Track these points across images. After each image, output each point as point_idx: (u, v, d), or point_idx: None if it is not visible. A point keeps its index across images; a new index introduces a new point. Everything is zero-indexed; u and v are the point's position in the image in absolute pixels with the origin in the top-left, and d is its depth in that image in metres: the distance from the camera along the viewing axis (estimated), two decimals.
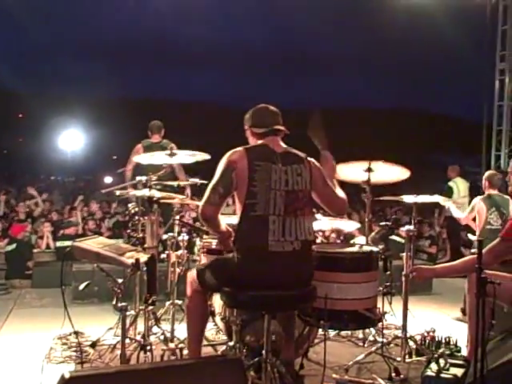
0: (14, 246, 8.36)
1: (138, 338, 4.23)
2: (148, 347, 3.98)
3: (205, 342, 4.49)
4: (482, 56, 9.96)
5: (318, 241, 4.72)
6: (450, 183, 9.15)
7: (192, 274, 3.56)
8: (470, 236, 6.72)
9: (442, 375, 3.57)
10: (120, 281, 3.47)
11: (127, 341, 4.15)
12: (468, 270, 3.71)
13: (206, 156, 4.42)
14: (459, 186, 8.87)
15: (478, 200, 6.25)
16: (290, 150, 3.43)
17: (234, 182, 3.25)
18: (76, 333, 4.39)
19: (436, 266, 4.09)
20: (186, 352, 4.10)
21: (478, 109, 10.17)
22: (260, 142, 3.44)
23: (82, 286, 3.72)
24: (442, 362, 3.68)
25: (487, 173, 6.55)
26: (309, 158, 3.45)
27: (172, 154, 4.27)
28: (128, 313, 3.92)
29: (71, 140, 21.06)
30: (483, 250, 3.50)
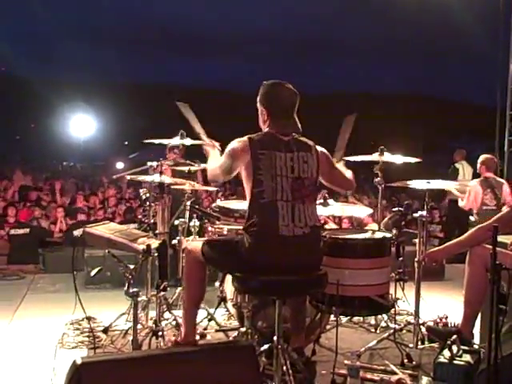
0: (26, 230, 8.36)
1: (150, 323, 4.25)
2: (160, 333, 3.99)
3: (217, 328, 4.53)
4: (495, 41, 9.84)
5: (331, 226, 4.71)
6: (457, 165, 9.27)
7: (195, 248, 3.53)
8: (471, 217, 7.08)
9: (455, 362, 3.54)
10: (131, 267, 3.47)
11: (139, 326, 4.16)
12: (475, 242, 3.75)
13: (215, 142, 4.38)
14: (465, 168, 8.90)
15: (474, 183, 6.75)
16: (298, 138, 3.39)
17: (234, 171, 3.33)
18: (88, 318, 4.42)
19: (445, 245, 4.09)
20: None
21: (491, 94, 10.07)
22: (267, 129, 3.39)
23: (93, 272, 3.74)
24: (454, 348, 3.66)
25: (483, 156, 6.94)
26: (317, 147, 3.43)
27: (183, 136, 4.25)
28: (140, 298, 3.94)
29: (83, 126, 21.09)
30: (492, 219, 3.55)
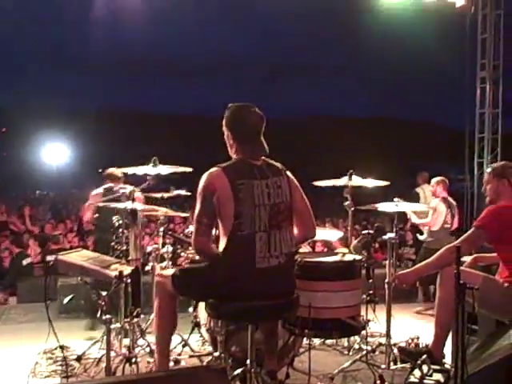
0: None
1: (124, 350, 4.24)
2: (133, 360, 3.98)
3: (190, 353, 4.53)
4: (462, 65, 10.07)
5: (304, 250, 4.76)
6: (418, 189, 9.51)
7: (165, 280, 3.51)
8: (419, 236, 7.47)
9: (426, 381, 3.60)
10: (104, 293, 3.48)
11: (113, 354, 4.16)
12: (444, 263, 3.83)
13: (187, 169, 4.44)
14: (426, 192, 9.08)
15: (437, 201, 6.99)
16: (269, 162, 3.39)
17: (217, 207, 3.21)
18: (61, 347, 4.38)
19: (414, 267, 4.17)
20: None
21: (460, 117, 10.28)
22: (237, 155, 3.37)
23: (66, 300, 3.74)
24: (425, 368, 3.71)
25: (439, 178, 7.24)
26: (286, 171, 3.44)
27: (155, 165, 4.29)
28: (113, 326, 3.94)
29: (56, 153, 21.00)
30: (459, 240, 3.65)
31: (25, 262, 7.99)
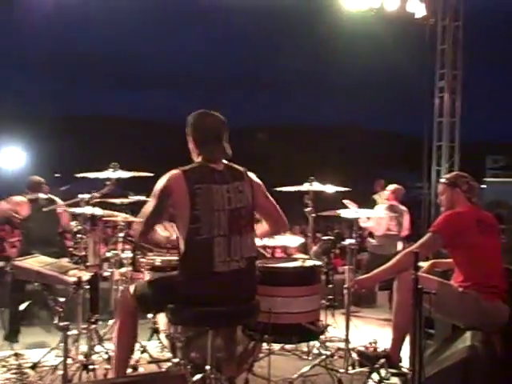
0: None
1: (81, 357, 4.17)
2: (91, 367, 3.92)
3: (149, 359, 4.49)
4: (422, 74, 10.27)
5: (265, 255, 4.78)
6: (375, 196, 9.77)
7: (126, 293, 3.52)
8: (371, 240, 7.54)
9: None
10: (62, 299, 3.42)
11: (69, 361, 4.08)
12: (401, 268, 3.88)
13: (147, 174, 4.41)
14: (382, 198, 9.24)
15: (381, 208, 7.17)
16: (231, 166, 3.41)
17: (168, 210, 3.26)
18: (16, 355, 4.30)
19: (372, 273, 4.21)
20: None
21: (419, 125, 10.47)
22: (199, 159, 3.39)
23: (22, 306, 3.66)
24: (383, 372, 3.76)
25: (393, 186, 7.42)
26: (248, 173, 3.46)
27: (115, 170, 4.25)
28: (70, 332, 3.87)
29: (12, 158, 20.63)
30: (415, 245, 3.72)
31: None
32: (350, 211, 4.58)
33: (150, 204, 3.28)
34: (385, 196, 7.71)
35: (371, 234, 7.73)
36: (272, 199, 3.57)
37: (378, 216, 7.05)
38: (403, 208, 7.34)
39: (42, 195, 5.83)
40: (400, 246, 7.29)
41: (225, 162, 3.42)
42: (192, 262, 3.24)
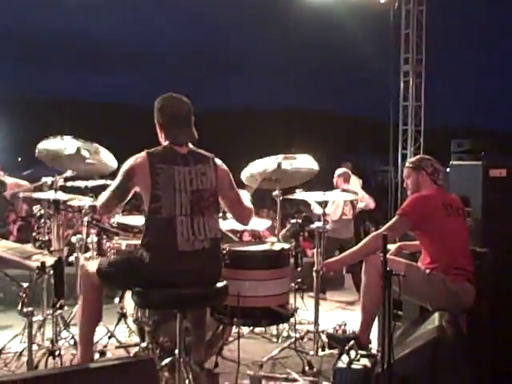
0: None
1: (47, 343, 4.10)
2: (57, 352, 3.86)
3: (117, 344, 4.44)
4: (387, 59, 10.31)
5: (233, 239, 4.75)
6: None
7: (89, 270, 3.49)
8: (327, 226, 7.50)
9: (353, 366, 3.64)
10: (25, 285, 3.33)
11: (35, 347, 4.01)
12: (369, 251, 3.90)
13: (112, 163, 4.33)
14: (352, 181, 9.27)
15: (336, 193, 6.90)
16: (195, 150, 3.41)
17: (131, 190, 3.32)
18: None
19: (340, 256, 4.23)
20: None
21: (384, 109, 10.52)
22: (166, 143, 3.39)
23: None
24: (352, 353, 3.77)
25: (340, 170, 7.42)
26: (215, 159, 3.45)
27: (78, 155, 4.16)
28: (35, 318, 3.79)
29: None
30: (383, 228, 3.73)
31: None
32: (318, 194, 4.56)
33: (115, 182, 3.37)
34: (354, 179, 7.70)
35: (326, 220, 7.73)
36: (237, 190, 3.58)
37: (333, 200, 7.03)
38: (359, 191, 7.35)
39: None
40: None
41: (191, 146, 3.41)
42: (154, 241, 3.24)
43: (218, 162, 3.46)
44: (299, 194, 4.79)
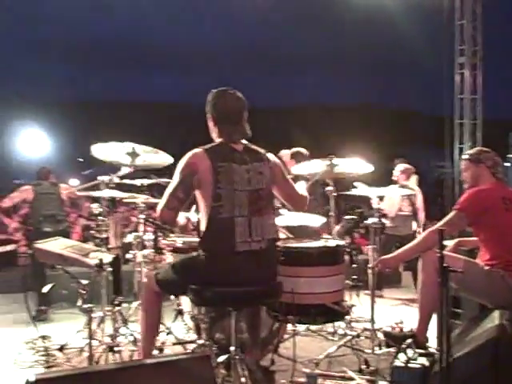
0: None
1: (107, 339, 4.20)
2: (116, 348, 3.94)
3: (174, 341, 4.50)
4: (440, 51, 10.10)
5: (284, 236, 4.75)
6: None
7: (150, 277, 3.54)
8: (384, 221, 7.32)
9: (411, 365, 3.59)
10: (85, 282, 3.42)
11: (96, 343, 4.12)
12: (426, 247, 3.83)
13: (169, 159, 4.36)
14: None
15: (393, 189, 6.79)
16: (250, 147, 3.38)
17: (195, 186, 3.21)
18: (43, 337, 4.34)
19: (397, 252, 4.16)
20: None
21: (439, 103, 10.31)
22: (219, 140, 3.37)
23: (46, 288, 3.67)
24: (410, 352, 3.71)
25: (402, 166, 7.33)
26: (268, 154, 3.43)
27: (134, 155, 4.22)
28: (95, 315, 3.89)
29: (35, 143, 20.78)
30: (439, 223, 3.65)
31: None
32: (367, 190, 4.52)
33: (175, 180, 3.24)
34: (395, 177, 7.61)
35: (385, 216, 7.63)
36: (290, 180, 3.57)
37: (390, 196, 6.94)
38: (415, 188, 7.23)
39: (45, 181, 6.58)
40: (414, 226, 7.21)
41: (244, 142, 3.39)
42: (213, 241, 3.22)
43: (271, 156, 3.45)
44: (356, 190, 4.75)
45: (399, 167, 7.33)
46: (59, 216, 6.44)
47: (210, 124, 3.43)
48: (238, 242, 3.19)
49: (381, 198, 4.76)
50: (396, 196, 6.94)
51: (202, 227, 3.26)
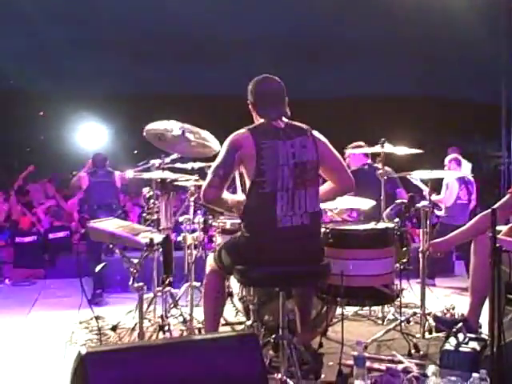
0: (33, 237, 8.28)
1: (157, 320, 4.28)
2: (166, 327, 4.01)
3: (223, 322, 4.54)
4: (498, 38, 9.83)
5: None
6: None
7: (211, 256, 3.62)
8: (437, 211, 7.13)
9: (461, 349, 3.53)
10: (135, 261, 3.49)
11: (147, 323, 4.21)
12: (479, 230, 3.75)
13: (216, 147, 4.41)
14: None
15: (451, 178, 6.88)
16: (292, 123, 3.40)
17: (237, 163, 3.26)
18: (96, 317, 4.46)
19: (448, 236, 4.09)
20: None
21: (496, 92, 10.05)
22: (262, 120, 3.40)
23: (98, 268, 3.77)
24: (460, 336, 3.65)
25: (451, 155, 7.19)
26: (313, 131, 3.43)
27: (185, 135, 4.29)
28: (146, 295, 3.97)
29: (92, 136, 21.26)
30: (494, 206, 3.57)
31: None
32: (424, 172, 4.45)
33: (219, 157, 3.30)
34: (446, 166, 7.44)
35: (438, 206, 7.48)
36: (339, 156, 3.53)
37: (449, 185, 6.84)
38: (470, 177, 7.11)
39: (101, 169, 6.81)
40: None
41: (286, 120, 3.41)
42: (254, 216, 3.26)
43: (316, 133, 3.44)
44: (403, 173, 4.70)
45: (448, 157, 7.23)
46: (114, 204, 6.64)
47: (252, 108, 3.49)
48: (279, 217, 3.20)
49: (435, 190, 4.68)
50: (454, 185, 6.84)
51: (244, 203, 3.31)
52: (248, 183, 3.29)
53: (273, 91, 3.43)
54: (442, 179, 6.94)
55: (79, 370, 2.54)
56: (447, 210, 6.89)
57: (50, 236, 8.12)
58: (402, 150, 4.70)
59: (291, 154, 3.26)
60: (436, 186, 5.13)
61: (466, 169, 7.98)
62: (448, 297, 5.96)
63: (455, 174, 6.43)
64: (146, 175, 4.46)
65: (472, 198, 7.12)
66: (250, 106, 3.50)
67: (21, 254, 8.02)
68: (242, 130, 3.31)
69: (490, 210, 3.70)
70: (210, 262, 3.59)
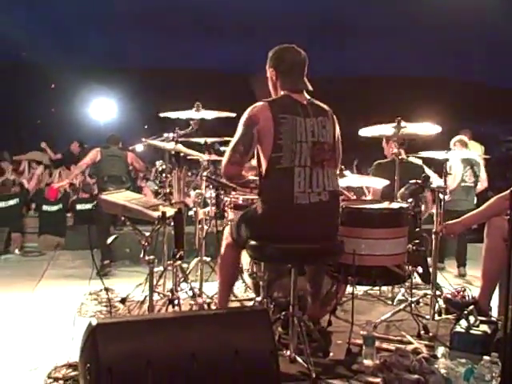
0: (59, 206, 8.28)
1: (167, 294, 4.27)
2: (176, 301, 4.01)
3: (233, 298, 4.54)
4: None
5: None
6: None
7: (227, 229, 3.61)
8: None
9: (472, 331, 3.51)
10: (147, 234, 3.47)
11: (156, 297, 4.20)
12: (494, 213, 3.72)
13: (231, 114, 4.37)
14: (472, 148, 8.72)
15: (455, 160, 6.55)
16: (314, 102, 3.36)
17: (256, 138, 3.20)
18: (106, 289, 4.47)
19: (462, 218, 4.06)
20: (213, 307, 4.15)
21: (508, 77, 9.94)
22: (283, 92, 3.35)
23: (109, 240, 3.75)
24: (471, 319, 3.62)
25: (456, 138, 6.92)
26: (332, 113, 3.41)
27: (198, 110, 4.24)
28: (157, 269, 3.96)
29: (103, 109, 21.20)
30: (508, 190, 3.52)
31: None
32: (440, 153, 4.38)
33: (237, 133, 3.26)
34: (474, 145, 7.29)
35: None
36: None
37: (453, 167, 6.59)
38: (478, 159, 6.88)
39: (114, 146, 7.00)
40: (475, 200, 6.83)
41: (308, 97, 3.36)
42: (271, 192, 3.23)
43: (334, 116, 3.42)
44: (418, 154, 4.64)
45: (454, 138, 6.98)
46: (124, 177, 6.70)
47: (272, 79, 3.42)
48: (296, 193, 3.17)
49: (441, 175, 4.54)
50: (458, 166, 6.62)
51: (261, 177, 3.28)
52: (264, 163, 3.23)
53: (298, 61, 3.38)
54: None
55: (90, 340, 2.54)
56: (451, 194, 6.57)
57: (78, 207, 8.10)
58: (419, 130, 4.56)
59: (310, 133, 3.22)
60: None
61: (477, 150, 7.88)
62: (459, 279, 5.94)
63: (459, 155, 6.24)
64: (159, 143, 4.40)
65: (479, 181, 6.86)
66: (270, 76, 3.43)
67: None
68: (261, 103, 3.26)
69: (507, 192, 3.67)
70: (227, 235, 3.58)
